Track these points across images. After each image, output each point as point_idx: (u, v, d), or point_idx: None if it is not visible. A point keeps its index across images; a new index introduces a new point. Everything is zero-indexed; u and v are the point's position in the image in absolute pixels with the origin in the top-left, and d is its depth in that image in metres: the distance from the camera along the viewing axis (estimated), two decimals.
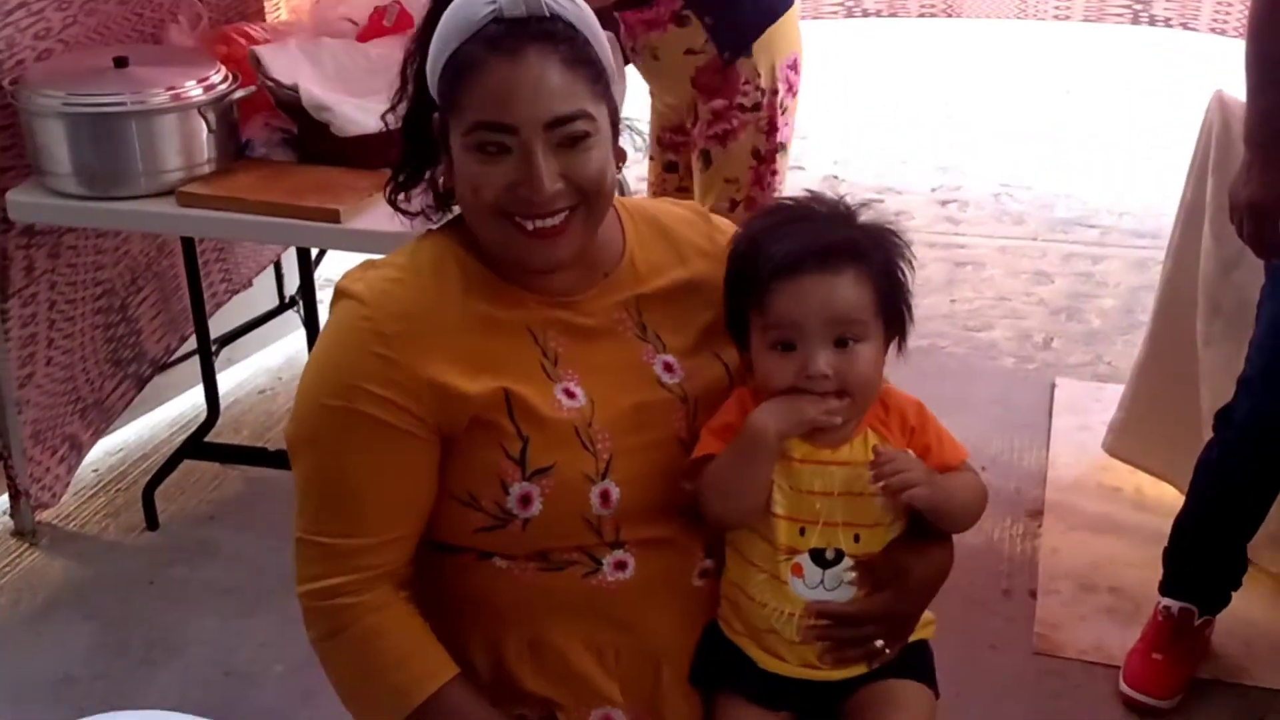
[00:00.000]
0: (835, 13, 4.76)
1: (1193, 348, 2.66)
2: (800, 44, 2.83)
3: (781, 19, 2.75)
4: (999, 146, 5.22)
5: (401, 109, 1.41)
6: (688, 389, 1.40)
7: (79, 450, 2.93)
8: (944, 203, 4.70)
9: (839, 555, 1.35)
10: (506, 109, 1.28)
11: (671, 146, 3.05)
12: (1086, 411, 3.21)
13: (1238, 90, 2.20)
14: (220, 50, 2.67)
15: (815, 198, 1.41)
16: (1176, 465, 2.66)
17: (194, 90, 2.43)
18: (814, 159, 4.98)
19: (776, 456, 1.33)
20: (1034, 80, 6.01)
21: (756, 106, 2.78)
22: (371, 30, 2.77)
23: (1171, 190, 2.82)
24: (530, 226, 1.31)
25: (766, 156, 2.84)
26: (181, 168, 2.43)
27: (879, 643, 1.38)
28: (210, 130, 2.45)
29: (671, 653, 1.42)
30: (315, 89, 2.48)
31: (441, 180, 1.40)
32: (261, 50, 2.55)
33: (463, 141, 1.31)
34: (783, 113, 2.83)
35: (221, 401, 3.02)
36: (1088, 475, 2.97)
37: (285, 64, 2.53)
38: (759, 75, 2.77)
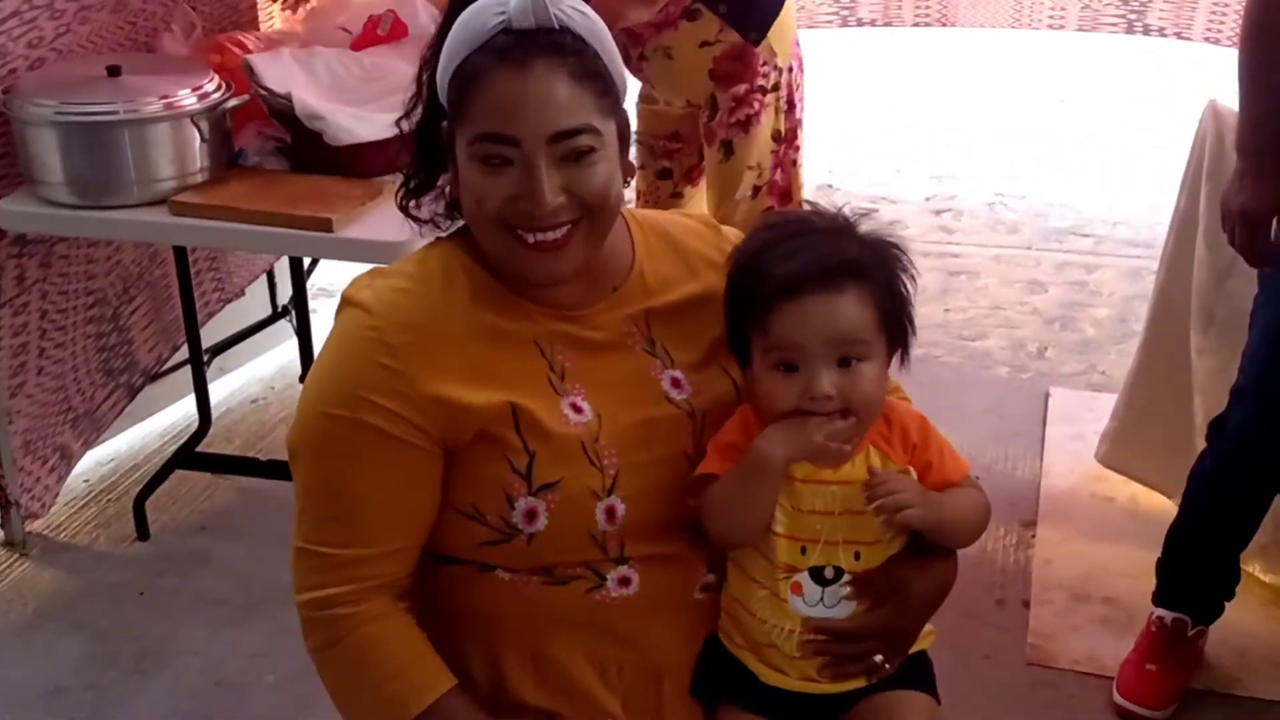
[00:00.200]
0: (830, 22, 4.76)
1: (1186, 357, 2.66)
2: None
3: None
4: (993, 155, 5.23)
5: (416, 115, 1.41)
6: (695, 405, 1.40)
7: (70, 460, 2.92)
8: (938, 212, 4.70)
9: (838, 573, 1.35)
10: (510, 121, 1.27)
11: (665, 154, 3.08)
12: (1080, 421, 3.21)
13: (1231, 99, 2.20)
14: (214, 59, 2.66)
15: (814, 210, 1.40)
16: (1170, 475, 2.66)
17: (187, 99, 2.42)
18: (808, 168, 4.94)
19: (783, 482, 1.32)
20: (1028, 89, 6.02)
21: (776, 86, 2.86)
22: (365, 39, 2.77)
23: (1166, 199, 2.82)
24: (531, 239, 1.31)
25: (786, 137, 2.91)
26: (174, 177, 2.42)
27: (878, 658, 1.38)
28: (203, 139, 2.44)
29: (673, 666, 1.42)
30: (308, 98, 2.47)
31: (449, 189, 1.40)
32: (255, 59, 2.55)
33: (468, 151, 1.31)
34: (797, 89, 2.91)
35: (213, 411, 3.01)
36: (1081, 485, 2.97)
37: (278, 73, 2.53)
38: (775, 54, 2.84)
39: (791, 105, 2.91)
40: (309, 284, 3.14)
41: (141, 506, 2.82)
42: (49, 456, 2.83)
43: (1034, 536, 2.79)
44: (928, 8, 4.72)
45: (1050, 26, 4.67)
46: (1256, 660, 2.42)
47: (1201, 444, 2.33)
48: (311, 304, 3.10)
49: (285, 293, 3.32)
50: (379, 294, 1.34)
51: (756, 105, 2.86)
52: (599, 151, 1.30)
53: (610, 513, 1.33)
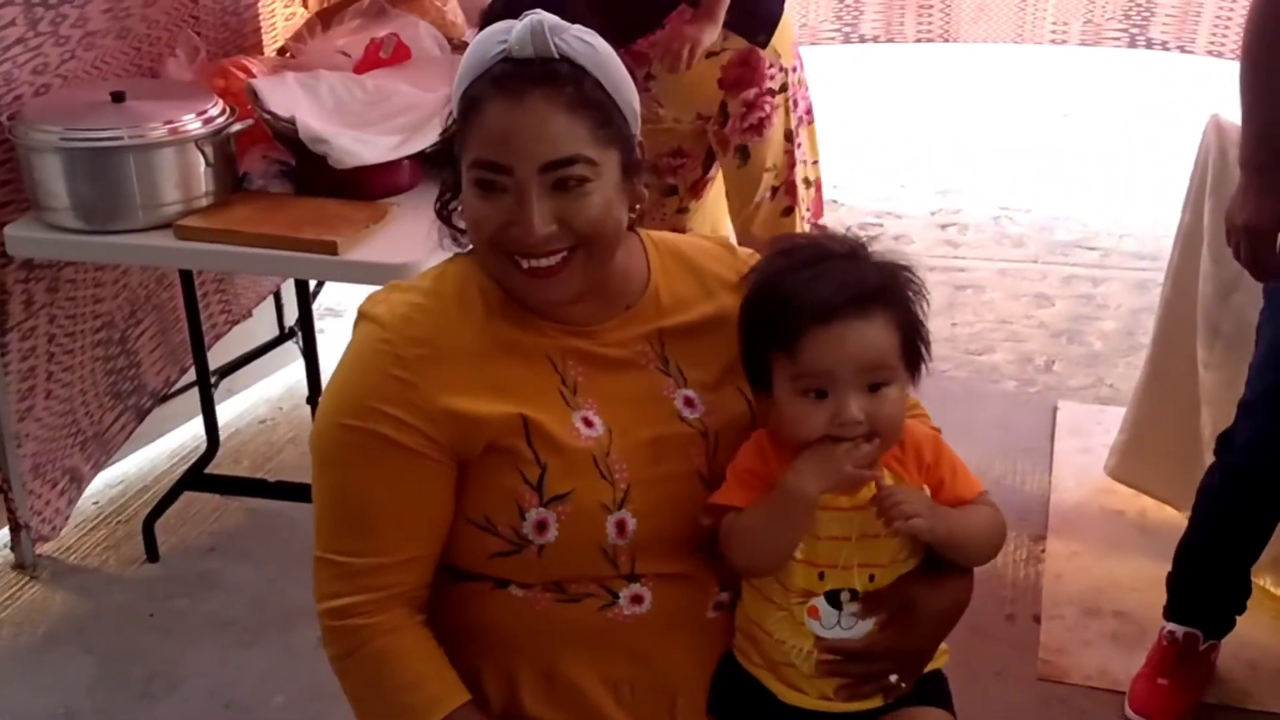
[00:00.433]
0: (833, 38, 4.78)
1: (1193, 371, 2.66)
2: None
3: None
4: (998, 169, 5.23)
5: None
6: (708, 424, 1.40)
7: (79, 483, 2.93)
8: (943, 226, 4.70)
9: (853, 595, 1.35)
10: (503, 150, 1.29)
11: (669, 170, 3.10)
12: (1088, 434, 3.21)
13: (1234, 113, 2.20)
14: (218, 83, 2.67)
15: (827, 235, 1.41)
16: (1179, 488, 2.65)
17: (191, 124, 2.43)
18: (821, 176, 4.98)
19: (816, 516, 1.32)
20: (1032, 103, 6.03)
21: (784, 87, 2.90)
22: (368, 62, 2.78)
23: (1170, 212, 2.82)
24: (526, 265, 1.33)
25: (795, 135, 2.95)
26: (179, 201, 2.43)
27: (893, 678, 1.38)
28: (208, 163, 2.45)
29: (686, 685, 1.42)
30: (312, 121, 2.48)
31: (459, 209, 1.42)
32: (259, 83, 2.56)
33: (467, 175, 1.33)
34: (802, 85, 2.95)
35: (221, 433, 3.02)
36: (1090, 499, 2.96)
37: (282, 96, 2.54)
38: (779, 56, 2.89)
39: (796, 103, 2.95)
40: (315, 305, 3.14)
41: (151, 528, 2.83)
42: (58, 479, 2.84)
43: (1044, 551, 2.78)
44: (930, 23, 4.73)
45: (1053, 41, 4.68)
46: (1268, 674, 2.41)
47: (1210, 457, 2.32)
48: (318, 325, 3.11)
49: (292, 314, 3.33)
50: (393, 308, 1.36)
51: (767, 108, 2.89)
52: (594, 182, 1.31)
53: (621, 526, 1.34)
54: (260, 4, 3.19)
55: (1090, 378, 3.58)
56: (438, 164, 1.45)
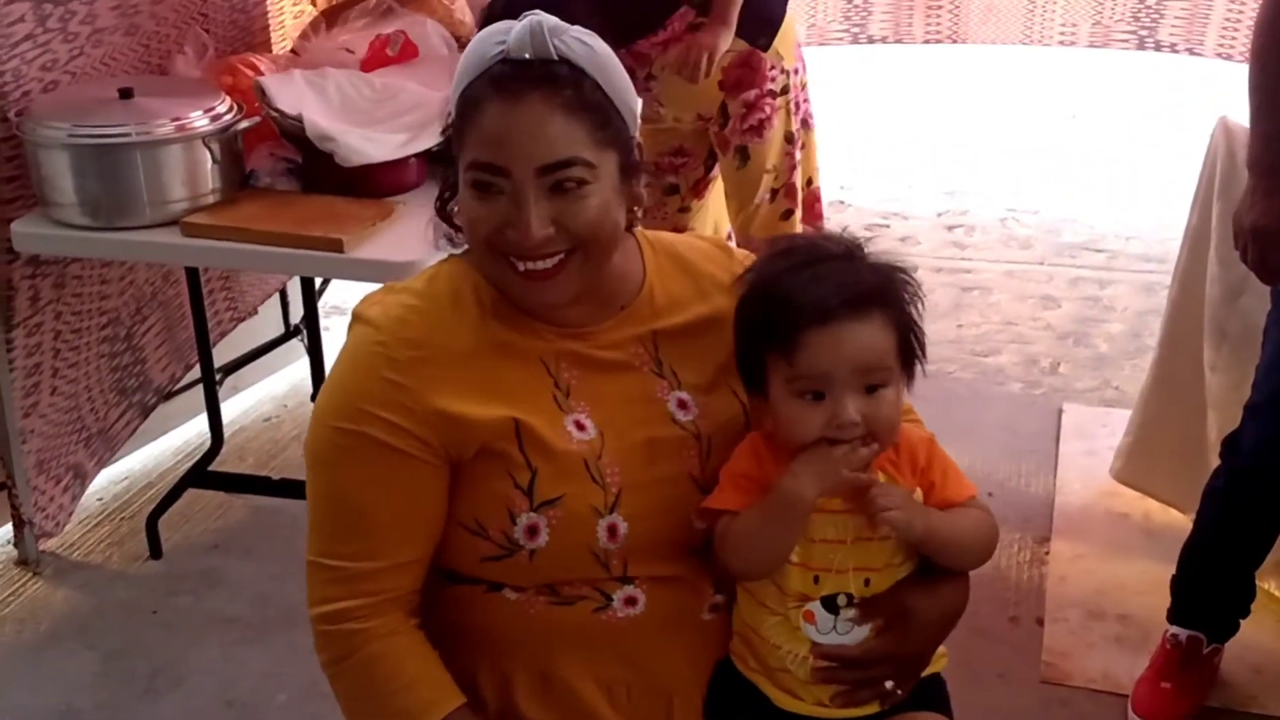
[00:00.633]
0: (840, 39, 4.78)
1: (1200, 373, 2.65)
2: None
3: None
4: (1005, 171, 5.22)
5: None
6: (701, 427, 1.40)
7: (83, 479, 2.93)
8: (950, 227, 4.70)
9: (849, 599, 1.34)
10: (500, 152, 1.29)
11: (671, 169, 3.11)
12: (1094, 437, 3.20)
13: (1242, 115, 2.19)
14: (226, 81, 2.68)
15: (824, 236, 1.41)
16: (1184, 491, 2.65)
17: (199, 121, 2.43)
18: (820, 184, 4.98)
19: (811, 519, 1.32)
20: (1040, 105, 6.02)
21: (785, 89, 2.90)
22: (375, 60, 2.78)
23: (1179, 214, 2.82)
24: (522, 267, 1.32)
25: (796, 137, 2.95)
26: (186, 198, 2.43)
27: (889, 684, 1.37)
28: (215, 160, 2.45)
29: (682, 688, 1.41)
30: (319, 119, 2.48)
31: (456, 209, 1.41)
32: (266, 80, 2.56)
33: (464, 176, 1.33)
34: (804, 89, 2.94)
35: (226, 430, 3.02)
36: (1095, 501, 2.95)
37: (290, 94, 2.54)
38: (781, 58, 2.88)
39: (798, 106, 2.94)
40: (321, 303, 3.15)
41: (154, 525, 2.83)
42: (63, 476, 2.84)
43: (1048, 553, 2.78)
44: (939, 24, 4.72)
45: (1061, 42, 4.67)
46: (1272, 678, 2.40)
47: (1215, 460, 2.32)
48: (323, 323, 3.11)
49: (297, 312, 3.33)
50: (387, 310, 1.36)
51: (768, 110, 2.89)
52: (591, 184, 1.30)
53: (612, 530, 1.33)
54: (269, 2, 3.19)
55: (1096, 380, 3.57)
56: (443, 162, 1.43)
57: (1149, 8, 4.45)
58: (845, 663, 1.35)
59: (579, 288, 1.35)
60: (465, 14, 3.00)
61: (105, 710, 2.40)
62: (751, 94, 2.88)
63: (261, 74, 2.66)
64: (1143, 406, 2.87)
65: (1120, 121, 5.80)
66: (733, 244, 3.15)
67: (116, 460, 3.07)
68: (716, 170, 3.13)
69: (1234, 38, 4.32)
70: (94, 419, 2.90)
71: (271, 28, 3.22)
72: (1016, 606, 2.62)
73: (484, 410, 1.32)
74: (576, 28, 1.32)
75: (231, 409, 3.30)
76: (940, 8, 4.67)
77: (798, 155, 3.01)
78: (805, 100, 3.02)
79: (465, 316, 1.36)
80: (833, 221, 4.51)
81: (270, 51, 3.14)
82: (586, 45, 1.32)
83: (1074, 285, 4.20)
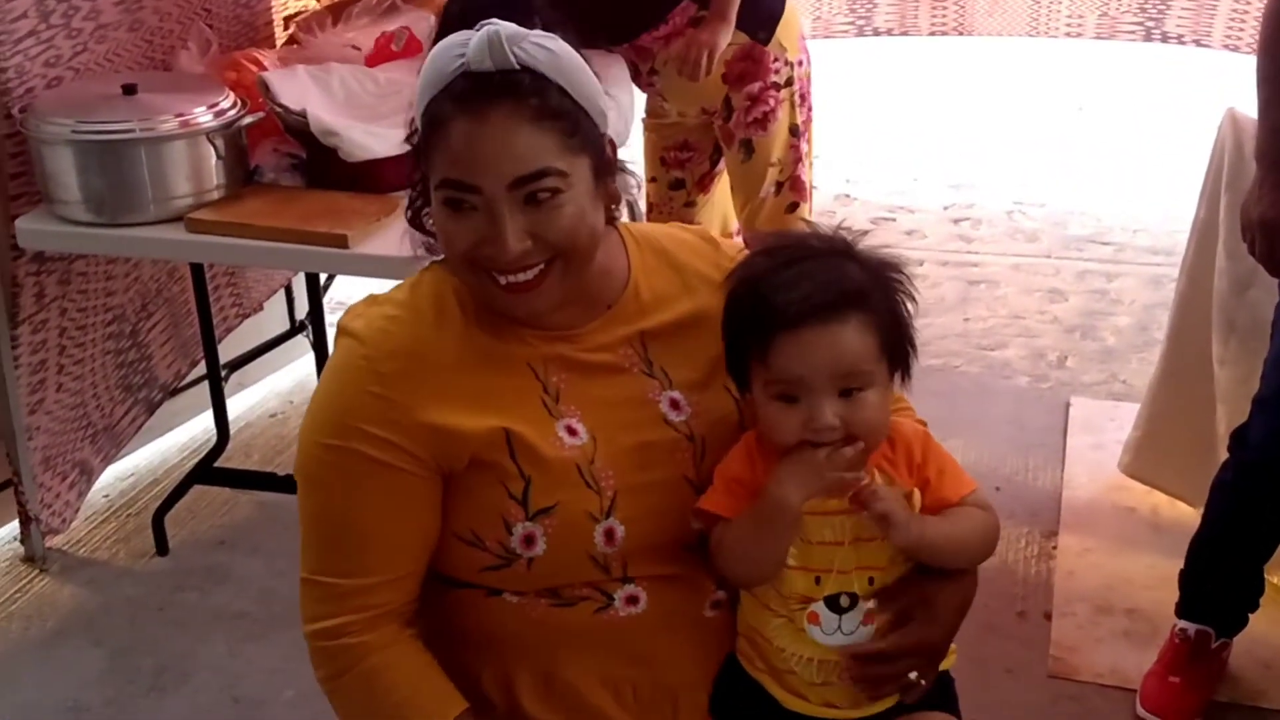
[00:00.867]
0: (846, 31, 4.76)
1: (1208, 366, 2.64)
2: None
3: None
4: (1011, 164, 5.20)
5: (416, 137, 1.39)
6: (694, 427, 1.38)
7: (89, 476, 2.93)
8: (957, 221, 4.68)
9: (854, 600, 1.33)
10: (470, 169, 1.27)
11: (676, 164, 3.11)
12: (1101, 430, 3.19)
13: (1250, 107, 2.18)
14: (230, 76, 2.67)
15: (812, 233, 1.37)
16: (1193, 485, 2.64)
17: (203, 116, 2.43)
18: (826, 178, 4.97)
19: (800, 524, 1.30)
20: (1046, 97, 6.00)
21: (789, 81, 2.90)
22: (380, 55, 2.77)
23: (1186, 206, 2.80)
24: (504, 281, 1.31)
25: (801, 130, 2.94)
26: (190, 194, 2.43)
27: (913, 675, 1.36)
28: (219, 156, 2.45)
29: (687, 685, 1.41)
30: (324, 114, 2.48)
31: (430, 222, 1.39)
32: (270, 76, 2.56)
33: (435, 194, 1.31)
34: (808, 81, 2.95)
35: (232, 426, 3.02)
36: (1103, 495, 2.95)
37: (294, 89, 2.54)
38: (784, 50, 2.88)
39: (803, 98, 2.94)
40: (326, 299, 3.14)
41: (161, 522, 2.83)
42: (69, 472, 2.84)
43: (1055, 548, 2.77)
44: (944, 16, 4.71)
45: (1068, 34, 4.66)
46: None
47: (1224, 453, 2.31)
48: (329, 318, 3.10)
49: (303, 308, 3.33)
50: (370, 322, 1.34)
51: (772, 102, 2.89)
52: (565, 193, 1.28)
53: (609, 535, 1.33)
54: None
55: (1103, 373, 3.56)
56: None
57: None
58: (873, 659, 1.33)
59: (563, 294, 1.33)
60: None
61: (112, 707, 2.40)
62: (755, 87, 2.87)
63: (265, 69, 2.66)
64: (1151, 400, 2.86)
65: (1127, 113, 5.78)
66: (739, 239, 3.16)
67: (122, 457, 3.07)
68: (722, 165, 3.12)
69: (1241, 29, 4.31)
70: (100, 416, 2.90)
71: (275, 23, 3.21)
72: (1024, 601, 2.61)
73: (473, 421, 1.30)
74: (536, 32, 1.29)
75: (237, 405, 3.29)
76: (946, 0, 4.66)
77: (803, 148, 3.01)
78: (810, 93, 3.02)
79: (450, 326, 1.35)
80: (839, 215, 4.52)
81: (274, 47, 3.14)
82: (547, 50, 1.29)
83: (1081, 278, 4.19)
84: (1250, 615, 2.35)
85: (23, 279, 2.57)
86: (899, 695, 1.37)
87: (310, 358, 3.30)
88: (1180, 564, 2.36)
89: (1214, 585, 2.33)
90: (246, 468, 3.09)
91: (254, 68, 2.69)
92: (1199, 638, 2.31)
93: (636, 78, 2.87)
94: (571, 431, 1.34)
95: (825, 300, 1.27)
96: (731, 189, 3.10)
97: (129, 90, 2.43)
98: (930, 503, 1.35)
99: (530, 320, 1.35)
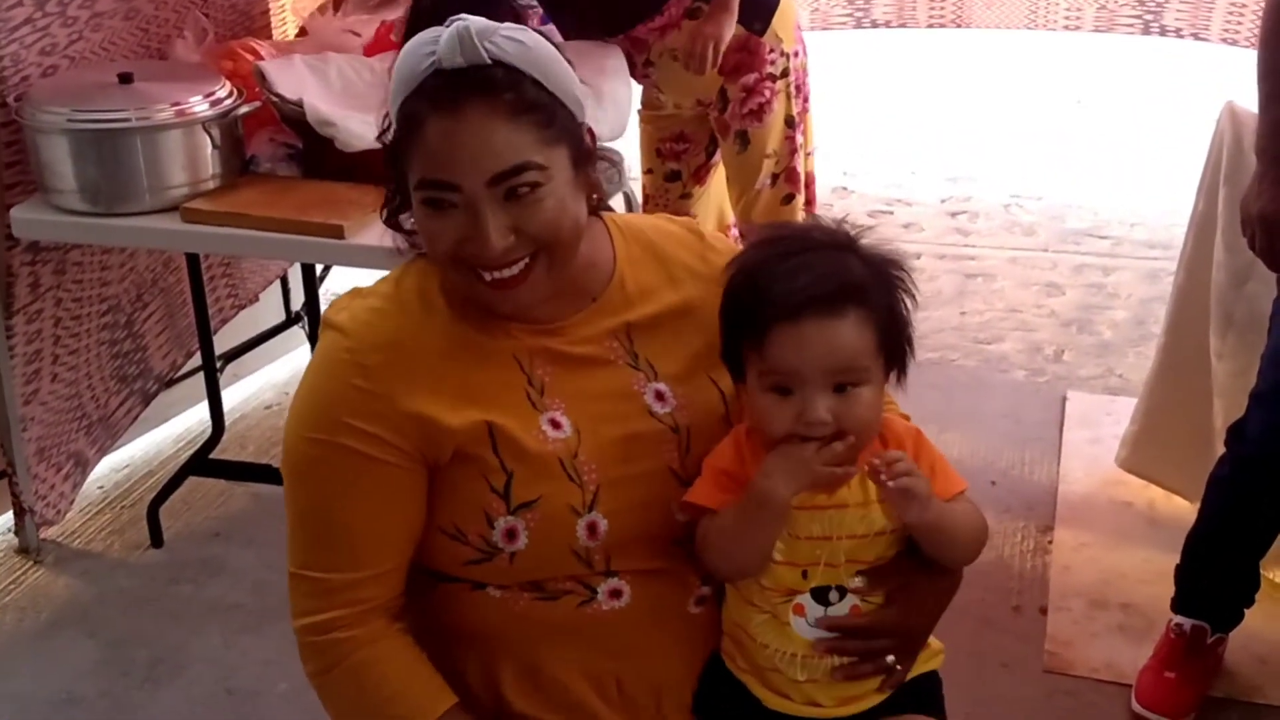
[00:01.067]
0: (844, 23, 4.76)
1: (1205, 361, 2.64)
2: None
3: None
4: (1009, 157, 5.20)
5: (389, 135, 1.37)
6: (679, 419, 1.38)
7: (84, 467, 2.93)
8: (954, 214, 4.68)
9: (842, 593, 1.33)
10: (448, 168, 1.26)
11: (672, 156, 3.11)
12: (1098, 425, 3.19)
13: (1249, 101, 2.18)
14: (226, 66, 2.66)
15: (815, 225, 1.36)
16: (1189, 480, 2.64)
17: (199, 106, 2.42)
18: (823, 170, 4.91)
19: (787, 518, 1.30)
20: (1044, 90, 5.99)
21: (785, 72, 2.89)
22: (379, 45, 2.76)
23: (1183, 201, 2.80)
24: (489, 277, 1.30)
25: (797, 122, 2.93)
26: (186, 183, 2.42)
27: (890, 659, 1.35)
28: (215, 146, 2.44)
29: (671, 680, 1.40)
30: (320, 104, 2.47)
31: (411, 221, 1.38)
32: (267, 65, 2.54)
33: (415, 194, 1.30)
34: (804, 72, 2.94)
35: (227, 417, 3.01)
36: (1099, 490, 2.94)
37: (290, 79, 2.53)
38: (780, 40, 2.87)
39: (799, 89, 2.93)
40: (322, 289, 3.14)
41: (155, 513, 2.82)
42: (63, 464, 2.83)
43: (1051, 542, 2.77)
44: (942, 9, 4.71)
45: (1066, 27, 4.66)
46: (1277, 668, 2.40)
47: (1221, 448, 2.31)
48: (325, 310, 3.10)
49: (298, 298, 3.32)
50: (354, 315, 1.34)
51: (767, 93, 2.88)
52: (545, 186, 1.27)
53: (592, 529, 1.32)
54: None
55: (1100, 368, 3.56)
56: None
57: None
58: (849, 633, 1.33)
59: (548, 288, 1.32)
60: None
61: (106, 699, 2.40)
62: (750, 78, 2.86)
63: (261, 58, 2.65)
64: (1148, 394, 2.86)
65: (1125, 107, 5.77)
66: (735, 231, 3.15)
67: (117, 448, 3.06)
68: (718, 157, 3.11)
69: (1239, 23, 4.30)
70: (95, 406, 2.90)
71: (271, 12, 3.20)
72: (1020, 596, 2.61)
73: (457, 415, 1.30)
74: (507, 25, 1.28)
75: (232, 396, 3.29)
76: None
77: (799, 139, 3.00)
78: (806, 83, 3.01)
79: (434, 318, 1.34)
80: (836, 208, 4.51)
81: (270, 36, 3.13)
82: (518, 42, 1.27)
83: (1078, 272, 4.18)
84: (1246, 611, 2.34)
85: (18, 268, 2.56)
86: (877, 683, 1.36)
87: (306, 349, 3.30)
88: (1176, 559, 2.36)
89: (1210, 580, 2.32)
90: (242, 459, 3.08)
91: (250, 57, 2.68)
92: (1195, 633, 2.31)
93: (632, 69, 2.86)
94: (555, 425, 1.33)
95: (824, 293, 1.26)
96: (728, 181, 3.10)
97: (125, 79, 2.42)
98: None
99: (516, 314, 1.34)
